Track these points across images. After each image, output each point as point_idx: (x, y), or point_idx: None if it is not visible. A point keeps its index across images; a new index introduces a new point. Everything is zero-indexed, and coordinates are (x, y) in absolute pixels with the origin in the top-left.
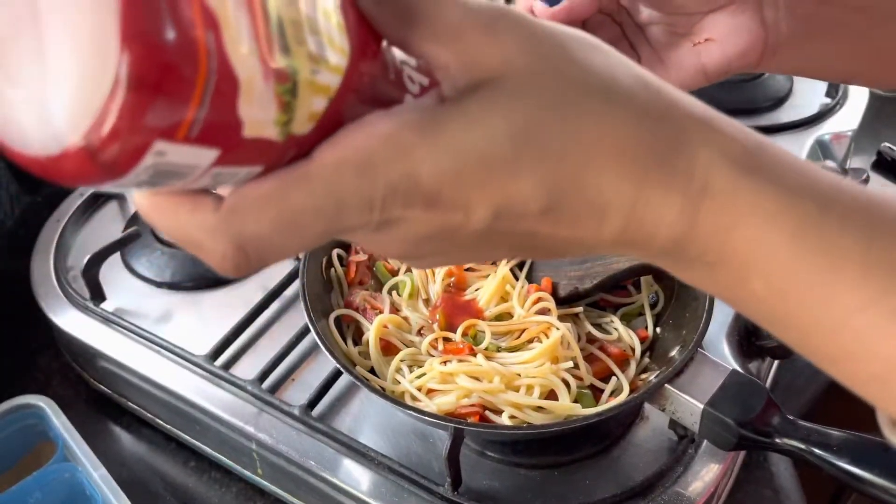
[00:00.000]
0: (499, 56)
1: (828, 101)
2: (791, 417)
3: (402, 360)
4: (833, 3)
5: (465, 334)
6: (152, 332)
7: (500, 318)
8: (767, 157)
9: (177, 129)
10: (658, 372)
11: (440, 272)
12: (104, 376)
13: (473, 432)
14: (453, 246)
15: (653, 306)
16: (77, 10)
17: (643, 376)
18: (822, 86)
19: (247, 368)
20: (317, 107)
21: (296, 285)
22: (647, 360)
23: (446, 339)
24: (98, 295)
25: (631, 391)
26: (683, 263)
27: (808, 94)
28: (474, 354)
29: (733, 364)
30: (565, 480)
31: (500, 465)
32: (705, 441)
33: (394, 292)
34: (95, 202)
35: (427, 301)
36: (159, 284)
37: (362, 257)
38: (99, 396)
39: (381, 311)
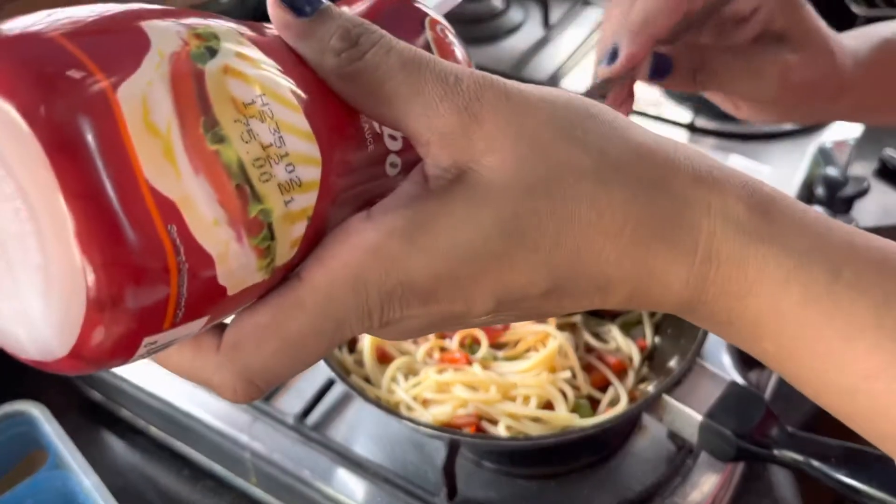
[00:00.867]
0: (481, 141)
1: None
2: (790, 429)
3: (397, 369)
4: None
5: (461, 344)
6: None
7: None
8: (775, 216)
9: (161, 322)
10: (656, 382)
11: None
12: (97, 383)
13: (470, 443)
14: (459, 325)
15: (651, 315)
16: (35, 245)
17: (641, 386)
18: None
19: None
20: (297, 233)
21: None
22: (645, 369)
23: (442, 349)
24: None
25: (629, 401)
26: (694, 320)
27: None
28: (471, 364)
29: (732, 374)
30: (563, 491)
31: (496, 476)
32: (704, 452)
33: None
34: None
35: None
36: None
37: None
38: (92, 404)
39: None
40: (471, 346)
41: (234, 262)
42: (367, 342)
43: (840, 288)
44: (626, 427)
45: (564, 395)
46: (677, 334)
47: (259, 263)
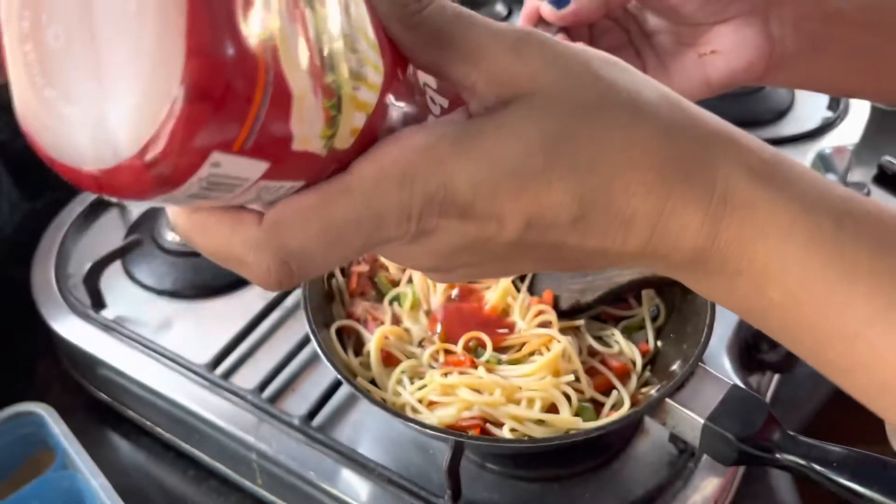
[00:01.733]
0: (526, 74)
1: (829, 114)
2: (791, 433)
3: (402, 372)
4: (839, 21)
5: (466, 347)
6: (152, 340)
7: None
8: (783, 169)
9: (234, 140)
10: (659, 386)
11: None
12: (104, 384)
13: (474, 445)
14: (483, 258)
15: (654, 319)
16: (138, 28)
17: (644, 390)
18: (823, 99)
19: (247, 378)
20: (357, 122)
21: (296, 295)
22: (648, 373)
23: (447, 352)
24: (98, 302)
25: (632, 405)
26: (702, 275)
27: (809, 108)
28: (475, 367)
29: (734, 378)
30: (565, 493)
31: (500, 478)
32: (705, 455)
33: (395, 303)
34: (96, 210)
35: (428, 312)
36: (160, 292)
37: (364, 268)
38: (98, 404)
39: (382, 323)
40: (476, 349)
41: (307, 112)
42: (373, 345)
43: (842, 235)
44: (629, 430)
45: (568, 398)
46: (679, 339)
47: (324, 130)
